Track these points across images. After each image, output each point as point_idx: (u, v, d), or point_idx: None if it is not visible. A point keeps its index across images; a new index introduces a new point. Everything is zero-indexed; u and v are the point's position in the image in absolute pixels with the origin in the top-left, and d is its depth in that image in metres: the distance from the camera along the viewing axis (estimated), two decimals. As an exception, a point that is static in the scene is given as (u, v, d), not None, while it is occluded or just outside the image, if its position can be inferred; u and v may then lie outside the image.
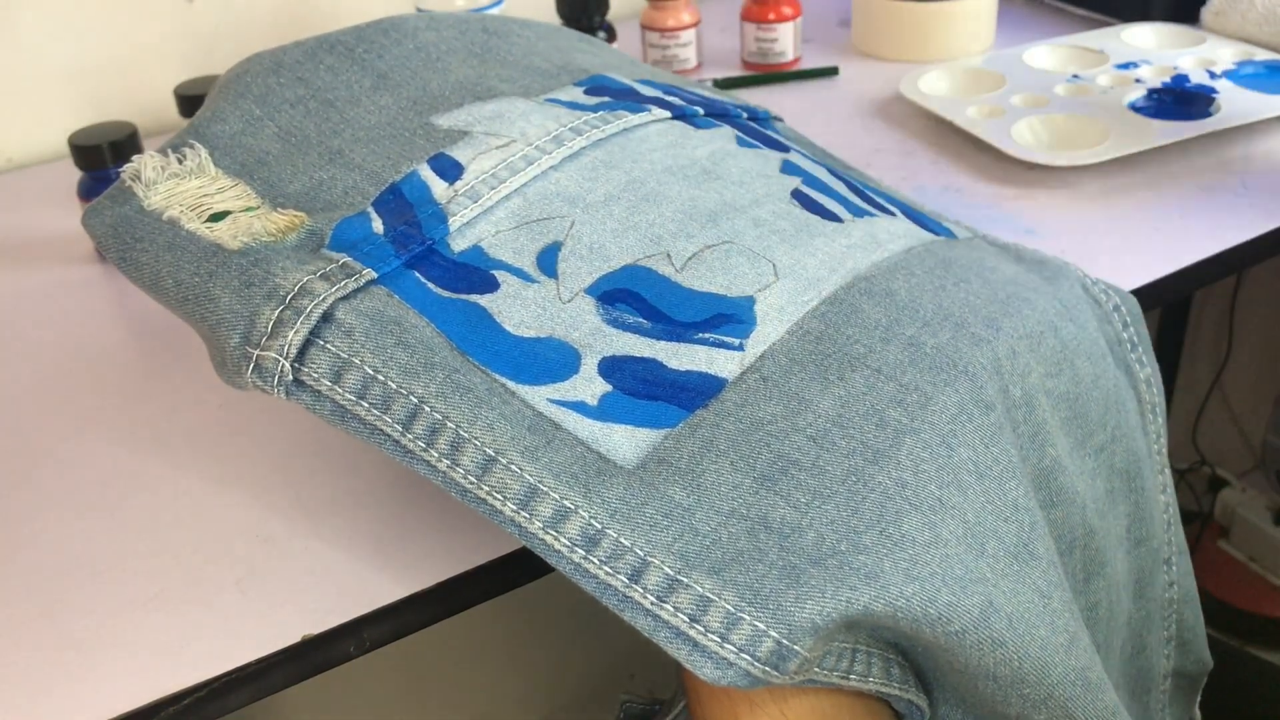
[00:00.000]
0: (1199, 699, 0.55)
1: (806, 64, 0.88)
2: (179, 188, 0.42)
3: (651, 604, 0.33)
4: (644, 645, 0.33)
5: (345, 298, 0.37)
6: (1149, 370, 0.47)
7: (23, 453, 0.51)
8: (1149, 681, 0.51)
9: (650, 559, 0.33)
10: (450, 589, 0.43)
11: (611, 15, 0.90)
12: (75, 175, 0.68)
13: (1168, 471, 0.48)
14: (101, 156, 0.64)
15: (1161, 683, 0.51)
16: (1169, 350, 1.30)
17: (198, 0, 0.86)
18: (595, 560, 0.33)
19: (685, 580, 0.33)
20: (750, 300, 0.40)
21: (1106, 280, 0.48)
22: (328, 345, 0.36)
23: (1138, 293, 0.54)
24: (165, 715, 0.39)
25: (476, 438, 0.35)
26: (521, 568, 0.43)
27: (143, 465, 0.50)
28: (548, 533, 0.34)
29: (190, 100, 0.69)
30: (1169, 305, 1.28)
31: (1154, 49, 0.82)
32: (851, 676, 0.35)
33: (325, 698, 0.95)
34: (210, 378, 0.38)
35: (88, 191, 0.66)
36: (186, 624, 0.41)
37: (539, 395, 0.37)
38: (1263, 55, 0.79)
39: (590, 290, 0.40)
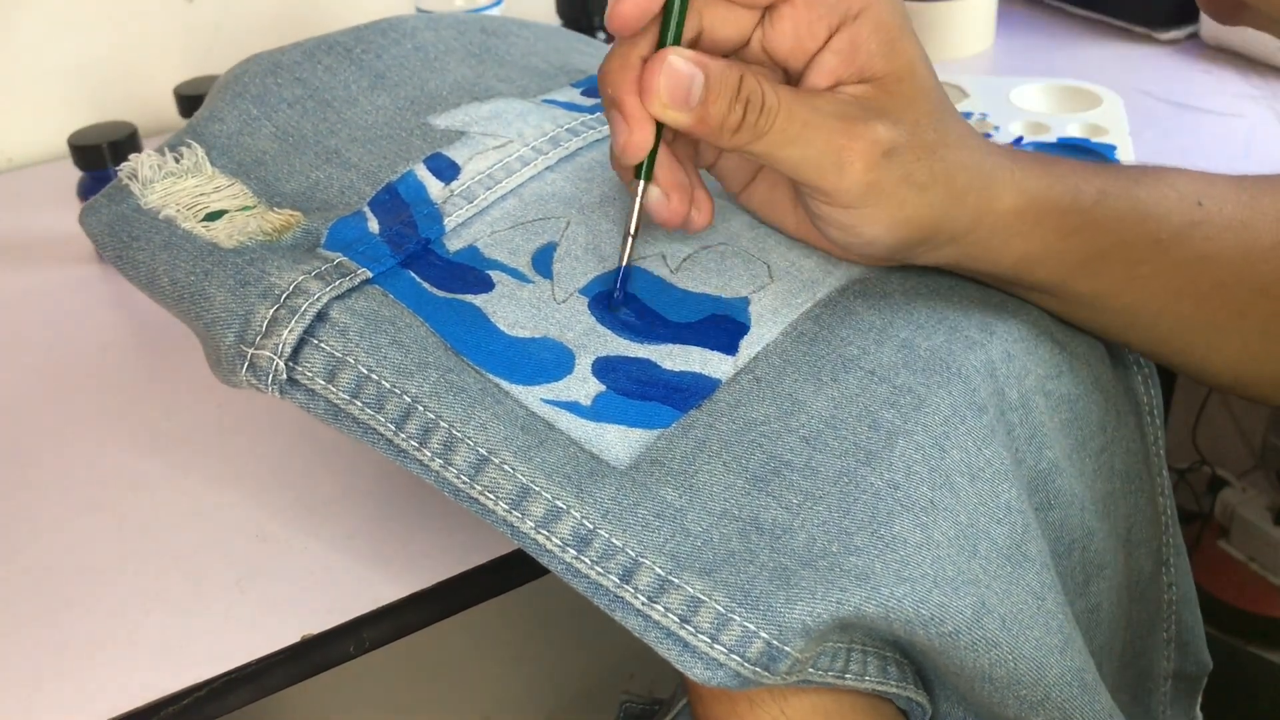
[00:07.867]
0: (1199, 700, 0.54)
1: (806, 64, 0.87)
2: (175, 186, 0.41)
3: (642, 604, 0.33)
4: (644, 645, 0.34)
5: (340, 297, 0.37)
6: (1147, 370, 0.47)
7: (22, 453, 0.52)
8: (1150, 683, 0.51)
9: (642, 559, 0.33)
10: (450, 589, 0.43)
11: (611, 15, 0.89)
12: (75, 175, 0.68)
13: (1166, 473, 0.48)
14: (101, 157, 0.64)
15: (1163, 685, 0.51)
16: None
17: (197, 0, 0.86)
18: (586, 560, 0.33)
19: (676, 581, 0.33)
20: (745, 301, 0.40)
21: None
22: (322, 344, 0.36)
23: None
24: (165, 715, 0.39)
25: (470, 437, 0.35)
26: (521, 568, 0.43)
27: (142, 465, 0.50)
28: (539, 533, 0.34)
29: (190, 100, 0.69)
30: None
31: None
32: (847, 676, 0.35)
33: (325, 698, 0.95)
34: (209, 378, 0.38)
35: (87, 192, 0.66)
36: (186, 624, 0.42)
37: (533, 395, 0.37)
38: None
39: (584, 291, 0.40)
